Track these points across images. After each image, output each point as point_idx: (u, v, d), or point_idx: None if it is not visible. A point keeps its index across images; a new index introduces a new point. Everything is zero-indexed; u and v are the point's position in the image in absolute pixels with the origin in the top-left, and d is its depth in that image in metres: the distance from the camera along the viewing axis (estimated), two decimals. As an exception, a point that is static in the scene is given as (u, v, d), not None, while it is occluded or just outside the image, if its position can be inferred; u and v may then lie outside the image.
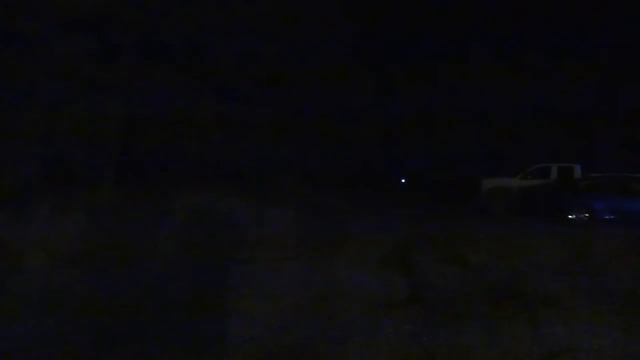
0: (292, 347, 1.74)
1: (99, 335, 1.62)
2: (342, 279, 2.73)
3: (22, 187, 3.26)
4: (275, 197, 5.50)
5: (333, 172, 9.62)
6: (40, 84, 3.33)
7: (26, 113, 3.25)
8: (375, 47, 11.01)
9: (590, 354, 1.83)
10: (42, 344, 1.52)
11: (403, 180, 13.22)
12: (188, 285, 2.33)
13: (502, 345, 1.90)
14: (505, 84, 10.78)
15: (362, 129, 10.73)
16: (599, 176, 6.79)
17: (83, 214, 3.36)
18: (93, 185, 3.86)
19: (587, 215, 6.31)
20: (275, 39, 6.67)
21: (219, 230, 3.49)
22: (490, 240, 4.35)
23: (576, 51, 10.75)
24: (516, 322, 2.12)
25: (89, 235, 3.02)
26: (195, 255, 2.83)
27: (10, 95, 3.27)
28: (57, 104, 3.43)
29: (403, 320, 2.11)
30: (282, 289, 2.52)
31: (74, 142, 3.63)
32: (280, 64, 7.16)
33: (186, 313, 1.97)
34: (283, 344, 1.78)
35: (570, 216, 6.37)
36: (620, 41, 10.49)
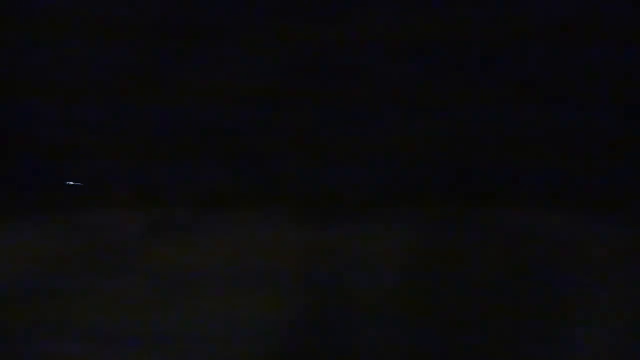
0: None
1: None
2: None
3: (359, 202, 3.17)
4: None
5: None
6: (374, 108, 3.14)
7: (358, 135, 3.10)
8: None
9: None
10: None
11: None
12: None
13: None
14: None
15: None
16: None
17: (424, 228, 3.13)
18: (429, 201, 3.59)
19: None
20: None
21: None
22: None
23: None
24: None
25: (430, 248, 2.76)
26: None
27: (349, 119, 3.12)
28: (395, 124, 3.24)
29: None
30: None
31: (408, 160, 3.43)
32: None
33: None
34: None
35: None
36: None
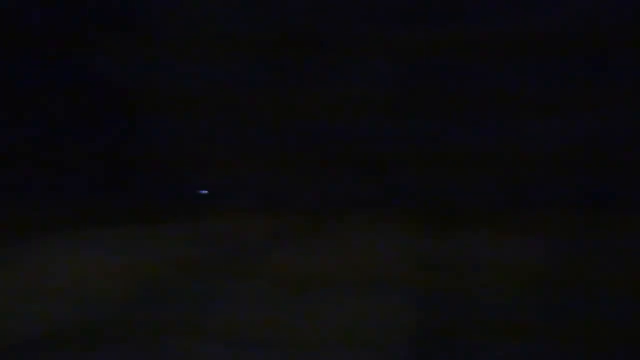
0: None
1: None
2: None
3: (479, 211, 2.99)
4: None
5: None
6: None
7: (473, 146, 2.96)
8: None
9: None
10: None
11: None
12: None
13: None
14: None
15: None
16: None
17: (544, 237, 2.91)
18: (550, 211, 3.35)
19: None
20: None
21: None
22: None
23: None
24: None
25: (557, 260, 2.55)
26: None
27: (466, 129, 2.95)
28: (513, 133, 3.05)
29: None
30: None
31: (529, 169, 3.23)
32: None
33: None
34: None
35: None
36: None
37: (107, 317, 1.81)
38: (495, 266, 2.63)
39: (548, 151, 3.23)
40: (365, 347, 1.33)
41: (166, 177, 3.08)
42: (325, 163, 3.11)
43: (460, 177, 3.26)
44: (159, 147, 3.20)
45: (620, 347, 1.43)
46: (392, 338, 1.39)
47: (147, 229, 3.44)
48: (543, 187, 3.21)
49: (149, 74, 3.10)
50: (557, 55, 3.13)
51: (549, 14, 3.07)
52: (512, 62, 3.10)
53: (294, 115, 3.18)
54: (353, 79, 3.09)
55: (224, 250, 2.75)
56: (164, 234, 3.37)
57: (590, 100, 3.04)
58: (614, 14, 3.08)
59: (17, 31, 2.81)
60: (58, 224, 2.91)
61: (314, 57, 3.16)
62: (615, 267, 2.72)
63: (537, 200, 3.46)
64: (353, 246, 2.83)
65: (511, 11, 3.06)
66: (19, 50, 2.80)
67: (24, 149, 2.89)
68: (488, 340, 1.37)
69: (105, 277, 2.32)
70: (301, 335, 1.58)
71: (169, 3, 3.10)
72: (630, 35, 3.11)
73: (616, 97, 3.21)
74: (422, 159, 3.24)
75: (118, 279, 2.28)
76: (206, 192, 3.49)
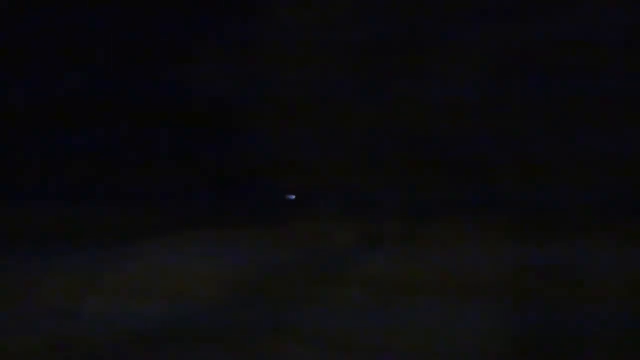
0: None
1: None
2: None
3: (577, 220, 3.03)
4: None
5: None
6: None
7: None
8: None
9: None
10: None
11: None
12: None
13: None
14: None
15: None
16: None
17: None
18: None
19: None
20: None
21: None
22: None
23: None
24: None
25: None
26: None
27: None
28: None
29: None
30: None
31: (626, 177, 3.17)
32: None
33: None
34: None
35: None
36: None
37: (204, 319, 1.87)
38: (599, 275, 2.42)
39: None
40: (459, 356, 1.34)
41: (262, 182, 3.15)
42: (421, 169, 3.02)
43: (561, 183, 3.04)
44: (254, 153, 3.30)
45: None
46: (487, 347, 1.38)
47: (243, 232, 3.55)
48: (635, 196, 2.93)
49: (245, 83, 3.21)
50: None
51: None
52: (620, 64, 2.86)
53: (390, 120, 3.14)
54: (449, 84, 2.98)
55: (311, 255, 2.76)
56: (266, 237, 3.42)
57: None
58: None
59: (120, 45, 3.01)
60: (160, 228, 3.06)
61: (411, 61, 3.08)
62: None
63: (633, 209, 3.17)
64: (448, 253, 2.73)
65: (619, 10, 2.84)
66: (120, 65, 2.99)
67: (130, 158, 3.06)
68: (583, 351, 1.38)
69: (203, 280, 2.40)
70: (392, 341, 1.55)
71: (266, 14, 3.20)
72: None
73: None
74: (523, 164, 3.06)
75: (216, 282, 2.35)
76: (296, 197, 3.54)
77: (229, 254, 2.85)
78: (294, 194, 3.65)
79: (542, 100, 2.93)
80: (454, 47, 2.95)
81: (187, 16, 3.07)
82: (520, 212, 3.11)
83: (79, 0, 2.92)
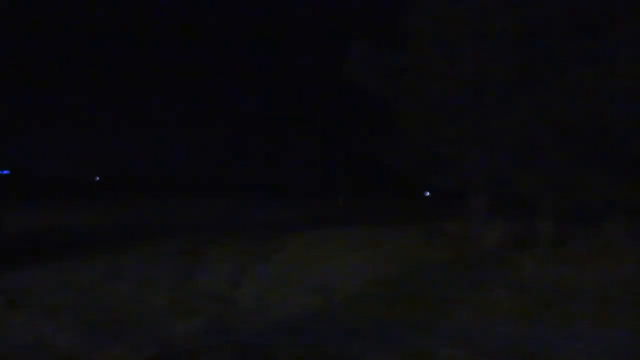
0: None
1: None
2: None
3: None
4: None
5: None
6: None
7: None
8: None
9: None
10: None
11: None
12: None
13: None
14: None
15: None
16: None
17: None
18: None
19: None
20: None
21: None
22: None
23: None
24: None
25: None
26: None
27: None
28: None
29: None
30: None
31: None
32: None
33: None
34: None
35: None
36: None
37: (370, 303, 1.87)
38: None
39: None
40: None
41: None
42: (587, 167, 2.80)
43: None
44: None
45: None
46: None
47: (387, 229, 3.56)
48: None
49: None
50: None
51: None
52: None
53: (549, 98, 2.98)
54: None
55: (463, 253, 2.69)
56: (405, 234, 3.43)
57: None
58: None
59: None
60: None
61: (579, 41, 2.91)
62: None
63: None
64: (608, 257, 2.50)
65: None
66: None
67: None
68: None
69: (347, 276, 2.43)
70: (542, 345, 1.49)
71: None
72: None
73: None
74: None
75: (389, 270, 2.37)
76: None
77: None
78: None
79: None
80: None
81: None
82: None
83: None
